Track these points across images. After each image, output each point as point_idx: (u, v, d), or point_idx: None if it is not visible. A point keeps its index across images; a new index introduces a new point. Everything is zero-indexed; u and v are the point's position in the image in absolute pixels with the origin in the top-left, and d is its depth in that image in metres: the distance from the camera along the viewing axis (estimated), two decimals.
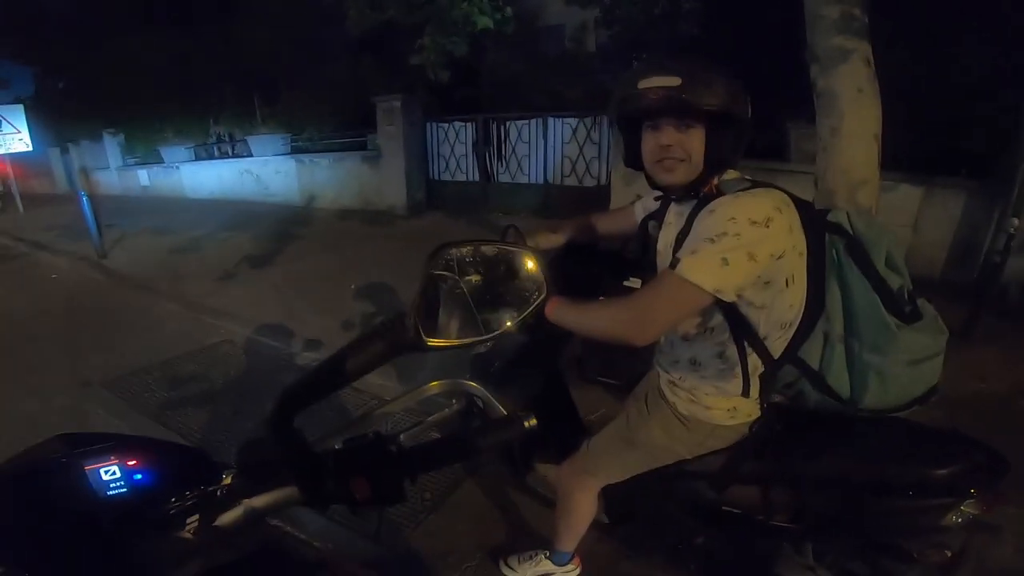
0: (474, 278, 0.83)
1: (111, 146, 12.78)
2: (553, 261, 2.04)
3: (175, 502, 0.58)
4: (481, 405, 0.98)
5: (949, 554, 1.10)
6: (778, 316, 1.11)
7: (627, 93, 1.08)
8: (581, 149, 6.49)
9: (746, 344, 1.14)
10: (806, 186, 3.20)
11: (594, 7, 6.57)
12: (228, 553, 0.59)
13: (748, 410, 1.21)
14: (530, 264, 0.90)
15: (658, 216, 1.28)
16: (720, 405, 1.21)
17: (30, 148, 10.95)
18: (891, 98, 3.05)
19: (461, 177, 7.55)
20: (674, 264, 1.01)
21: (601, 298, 1.94)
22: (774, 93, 4.52)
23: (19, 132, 10.62)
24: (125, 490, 0.57)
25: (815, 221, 1.12)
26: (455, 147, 7.49)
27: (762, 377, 1.18)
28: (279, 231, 6.90)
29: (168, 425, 2.74)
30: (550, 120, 6.64)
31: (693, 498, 1.33)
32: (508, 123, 6.98)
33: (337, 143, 8.81)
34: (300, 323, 3.83)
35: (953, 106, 4.34)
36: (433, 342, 0.71)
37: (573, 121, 6.47)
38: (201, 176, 10.94)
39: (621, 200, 5.94)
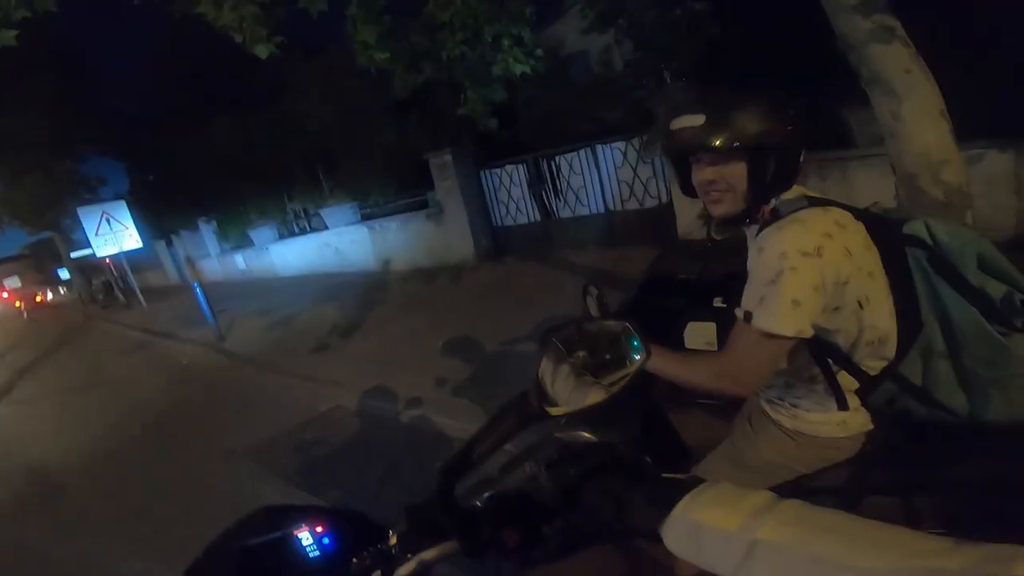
0: (581, 352, 0.93)
1: (207, 233, 14.09)
2: (632, 300, 2.12)
3: (358, 562, 0.66)
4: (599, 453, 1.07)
5: None
6: (858, 337, 1.08)
7: (664, 134, 1.14)
8: (635, 171, 6.50)
9: (831, 364, 1.12)
10: (883, 170, 3.07)
11: (609, 29, 6.63)
12: None
13: (860, 421, 1.16)
14: (626, 330, 0.97)
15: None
16: (826, 419, 1.17)
17: (140, 245, 11.79)
18: (949, 69, 2.87)
19: (523, 219, 7.73)
20: (748, 317, 1.03)
21: (689, 324, 2.00)
22: (816, 80, 4.30)
23: (127, 228, 11.44)
24: (318, 554, 0.67)
25: (890, 235, 1.07)
26: (511, 190, 7.69)
27: (859, 392, 1.14)
28: (363, 298, 7.43)
29: (303, 488, 3.08)
30: (597, 148, 6.70)
31: None
32: (557, 158, 7.08)
33: (401, 204, 9.27)
34: (398, 383, 4.13)
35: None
36: (554, 411, 0.83)
37: (620, 144, 6.50)
38: (288, 254, 11.94)
39: (687, 217, 5.91)
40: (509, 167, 7.57)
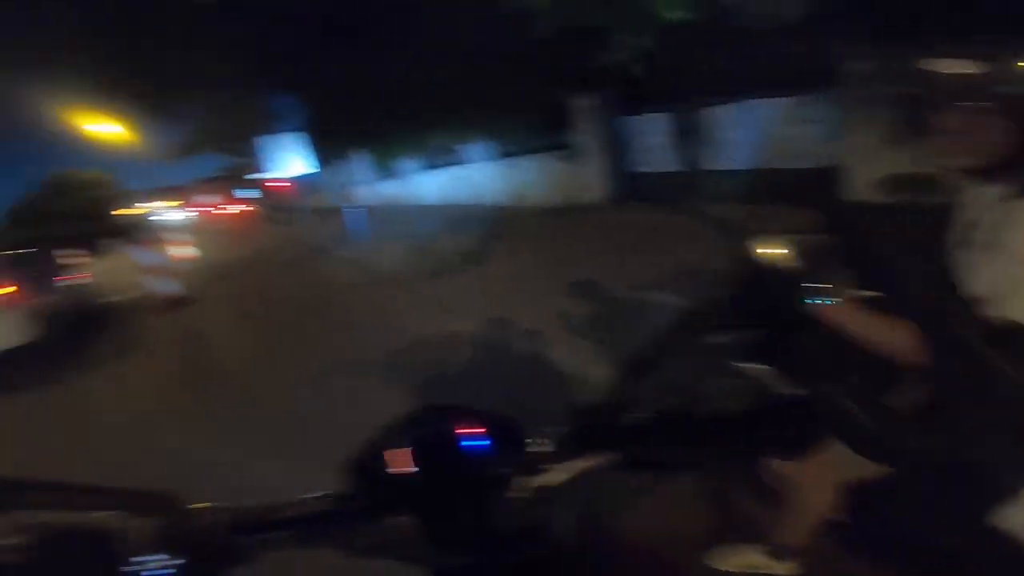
0: (783, 264, 0.90)
1: (364, 162, 15.49)
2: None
3: (507, 465, 0.66)
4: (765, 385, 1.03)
5: None
6: None
7: (918, 72, 1.03)
8: (798, 129, 5.87)
9: None
10: None
11: None
12: (552, 511, 0.67)
13: None
14: (827, 251, 0.94)
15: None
16: None
17: (309, 171, 13.65)
18: None
19: (661, 168, 7.46)
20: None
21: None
22: None
23: (300, 156, 13.17)
24: (475, 454, 0.66)
25: None
26: (654, 138, 7.42)
27: None
28: (495, 231, 7.75)
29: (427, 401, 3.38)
30: (757, 101, 6.16)
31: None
32: (709, 108, 6.66)
33: (539, 144, 9.36)
34: (521, 315, 4.32)
35: None
36: (737, 322, 0.83)
37: (786, 100, 5.91)
38: (428, 184, 12.75)
39: (858, 180, 5.18)
40: (654, 114, 7.26)
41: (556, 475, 0.69)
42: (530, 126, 9.68)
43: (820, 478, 1.42)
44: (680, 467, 0.72)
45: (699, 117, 6.82)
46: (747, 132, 6.38)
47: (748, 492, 2.00)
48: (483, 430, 0.69)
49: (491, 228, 7.92)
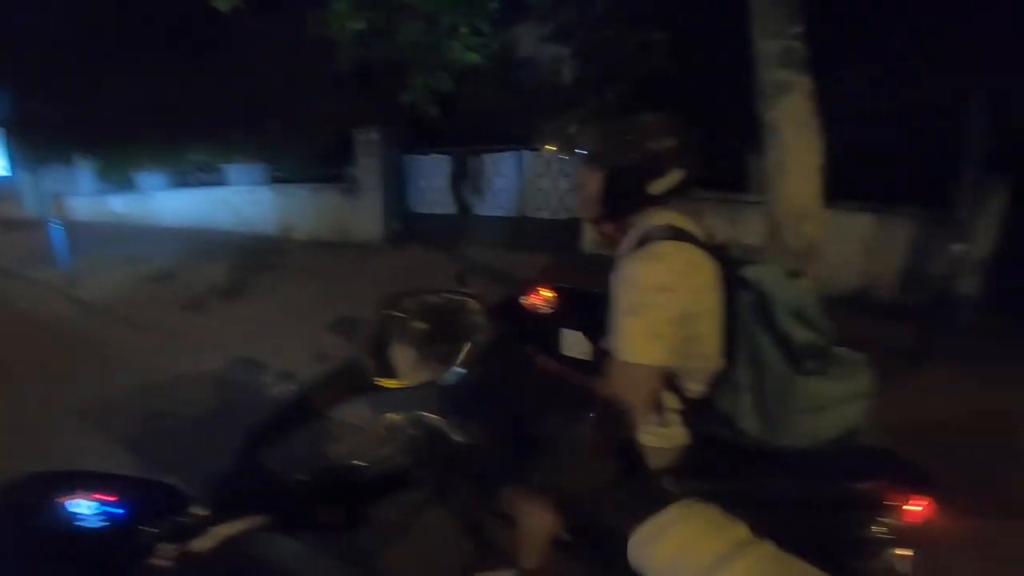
0: (423, 324, 0.90)
1: (84, 171, 12.66)
2: (507, 299, 2.15)
3: (146, 532, 0.62)
4: (441, 434, 1.07)
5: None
6: (687, 365, 1.20)
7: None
8: (554, 182, 6.68)
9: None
10: (764, 218, 3.25)
11: (571, 42, 6.69)
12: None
13: (677, 435, 1.28)
14: (474, 309, 0.98)
15: None
16: (645, 429, 1.27)
17: (8, 173, 10.74)
18: (844, 128, 3.17)
19: (439, 210, 7.68)
20: (616, 352, 1.13)
21: (562, 331, 2.06)
22: (734, 125, 4.75)
23: None
24: (97, 523, 0.61)
25: (730, 275, 1.19)
26: (433, 180, 7.63)
27: (682, 412, 1.26)
28: (254, 261, 6.93)
29: (143, 457, 2.74)
30: (524, 153, 6.82)
31: None
32: (485, 156, 7.14)
33: (315, 174, 8.85)
34: (274, 354, 3.87)
35: (907, 135, 4.58)
36: (384, 383, 0.81)
37: (546, 154, 6.57)
38: (177, 204, 10.88)
39: (593, 233, 6.12)
40: (435, 156, 7.52)
41: (204, 541, 0.65)
42: (308, 154, 9.12)
43: (537, 503, 1.47)
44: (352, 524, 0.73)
45: (473, 162, 7.24)
46: (510, 181, 6.99)
47: (494, 522, 2.08)
48: (101, 498, 0.63)
49: (250, 259, 7.08)
